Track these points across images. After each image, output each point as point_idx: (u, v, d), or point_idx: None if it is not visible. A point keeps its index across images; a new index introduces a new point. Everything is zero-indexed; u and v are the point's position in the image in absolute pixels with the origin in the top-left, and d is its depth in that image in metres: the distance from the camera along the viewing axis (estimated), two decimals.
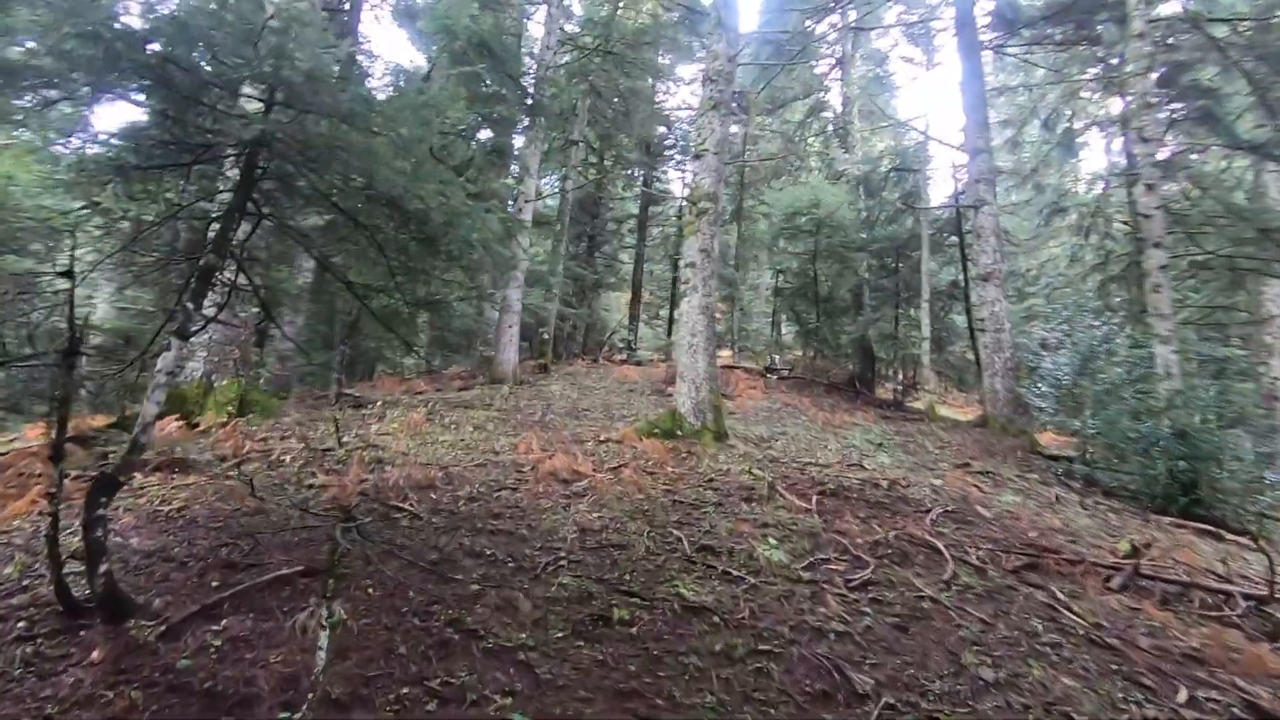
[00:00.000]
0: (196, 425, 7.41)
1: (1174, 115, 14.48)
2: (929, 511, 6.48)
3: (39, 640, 2.91)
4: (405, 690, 2.78)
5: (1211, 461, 8.78)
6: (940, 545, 5.40)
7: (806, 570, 4.64)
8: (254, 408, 8.40)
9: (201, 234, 4.91)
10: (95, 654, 2.81)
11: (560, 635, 3.39)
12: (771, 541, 5.05)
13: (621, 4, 20.29)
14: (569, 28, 18.36)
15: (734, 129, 18.23)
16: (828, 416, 12.33)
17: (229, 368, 8.55)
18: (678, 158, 24.31)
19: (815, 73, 22.58)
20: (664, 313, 26.74)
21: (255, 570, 3.76)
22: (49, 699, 2.57)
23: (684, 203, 22.74)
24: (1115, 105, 18.92)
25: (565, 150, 19.08)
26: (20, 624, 3.03)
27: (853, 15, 20.02)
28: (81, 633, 2.99)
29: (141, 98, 3.93)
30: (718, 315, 8.99)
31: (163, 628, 3.03)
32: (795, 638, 3.63)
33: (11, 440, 7.32)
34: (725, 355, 18.99)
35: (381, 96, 4.79)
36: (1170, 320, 9.77)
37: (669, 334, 24.15)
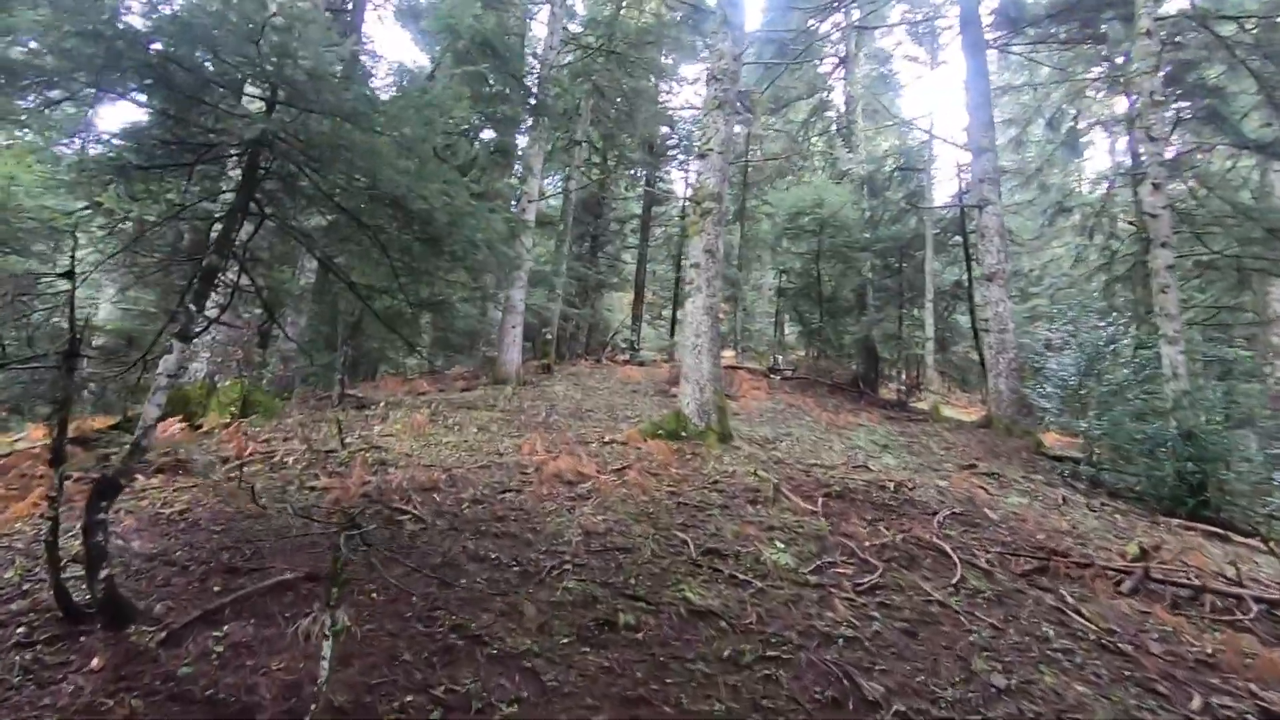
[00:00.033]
0: (199, 426, 7.39)
1: (1180, 114, 14.41)
2: (935, 514, 6.44)
3: (39, 646, 2.88)
4: (410, 698, 2.74)
5: (1219, 463, 8.73)
6: (948, 548, 5.36)
7: (813, 574, 4.60)
8: (257, 409, 8.38)
9: (204, 235, 4.88)
10: (95, 661, 2.77)
11: (566, 641, 3.35)
12: (778, 545, 5.01)
13: (625, 4, 20.24)
14: (572, 27, 18.32)
15: (738, 128, 18.18)
16: (832, 417, 12.28)
17: (232, 368, 8.53)
18: (681, 157, 24.24)
19: (819, 72, 22.53)
20: (666, 313, 26.70)
21: (257, 575, 3.72)
22: (48, 708, 2.53)
23: (687, 202, 22.68)
24: (1120, 104, 18.87)
25: (568, 150, 19.05)
26: (20, 630, 3.00)
27: (856, 14, 19.98)
28: (82, 639, 2.95)
29: (143, 97, 3.90)
30: (721, 315, 8.94)
31: (164, 634, 2.99)
32: (803, 643, 3.59)
33: (15, 440, 7.30)
34: (728, 355, 18.94)
35: (385, 96, 4.75)
36: (1177, 320, 9.70)
37: (672, 334, 24.13)
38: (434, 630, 3.29)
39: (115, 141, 4.02)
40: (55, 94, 3.91)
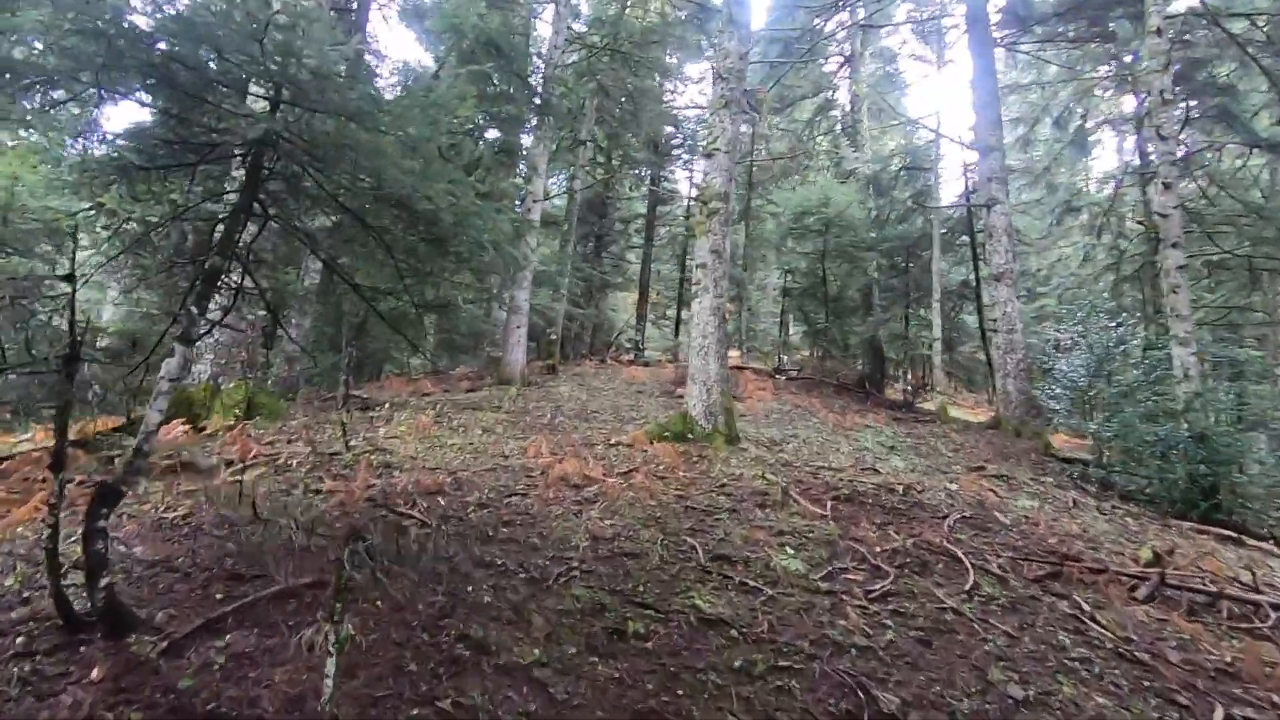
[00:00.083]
0: (203, 429, 7.34)
1: (1189, 113, 14.29)
2: (946, 517, 6.36)
3: (38, 657, 2.82)
4: (415, 711, 2.68)
5: (1232, 465, 8.63)
6: (959, 553, 5.28)
7: (825, 580, 4.52)
8: (261, 410, 8.33)
9: (207, 236, 4.82)
10: (95, 672, 2.71)
11: (574, 651, 3.28)
12: (788, 550, 4.94)
13: (629, 3, 20.18)
14: (577, 26, 18.25)
15: (743, 128, 18.09)
16: (838, 418, 12.21)
17: (236, 370, 8.49)
18: (685, 157, 24.18)
19: (824, 71, 22.45)
20: (671, 313, 26.63)
21: (261, 582, 3.66)
22: None
23: (693, 202, 22.61)
24: (1128, 103, 18.75)
25: (573, 150, 18.99)
26: (19, 639, 2.94)
27: (862, 13, 19.87)
28: (82, 649, 2.89)
29: (146, 97, 3.85)
30: (727, 316, 8.87)
31: (165, 643, 2.93)
32: (816, 653, 3.52)
33: (19, 441, 7.27)
34: (733, 356, 18.87)
35: (390, 96, 4.69)
36: (1188, 322, 9.59)
37: (676, 334, 24.05)
38: (440, 640, 3.23)
39: (118, 142, 3.98)
40: (60, 94, 3.87)
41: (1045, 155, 19.90)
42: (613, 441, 8.19)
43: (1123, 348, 10.38)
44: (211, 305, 4.60)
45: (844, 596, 4.29)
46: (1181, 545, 6.87)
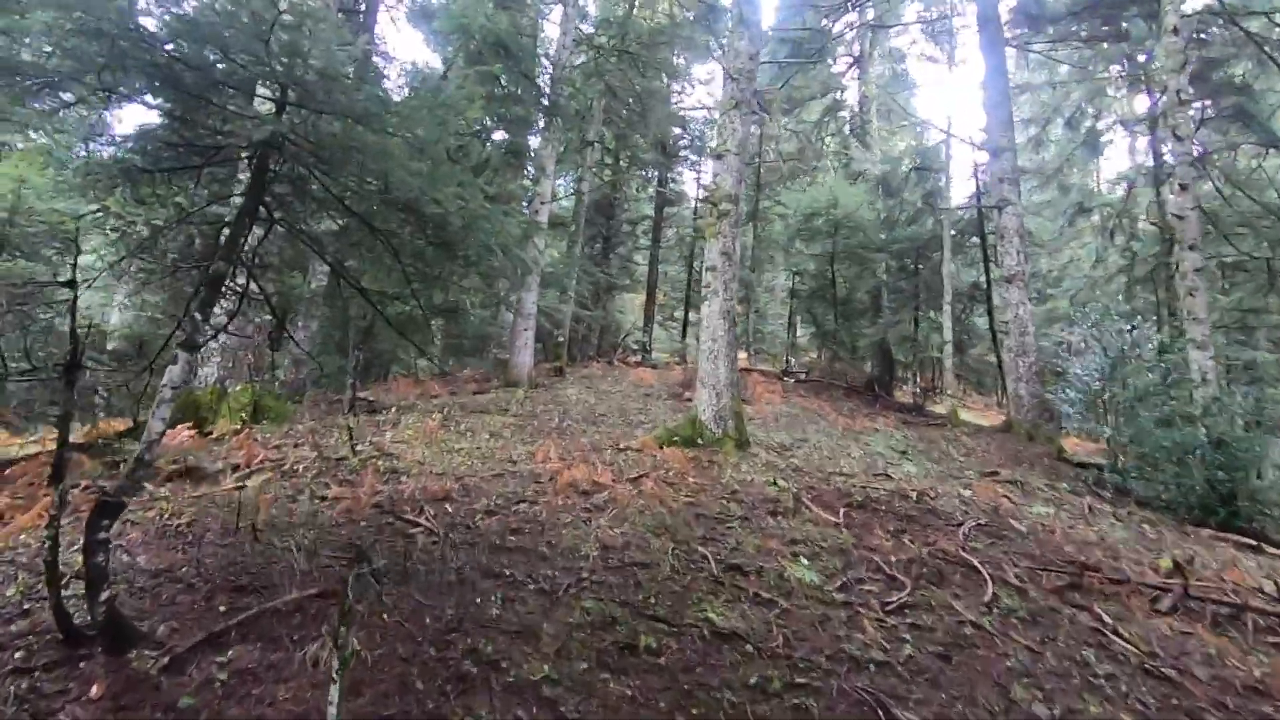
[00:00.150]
0: (209, 433, 7.29)
1: (1205, 113, 14.12)
2: (960, 525, 6.26)
3: (36, 673, 2.75)
4: None
5: (1250, 471, 8.48)
6: (976, 562, 5.18)
7: (840, 592, 4.43)
8: (267, 414, 8.28)
9: (213, 240, 4.76)
10: (94, 690, 2.64)
11: (585, 667, 3.19)
12: (802, 560, 4.84)
13: (638, 4, 20.09)
14: (585, 27, 18.17)
15: (752, 128, 17.99)
16: (848, 422, 12.08)
17: (243, 373, 8.44)
18: (693, 158, 24.07)
19: (832, 71, 22.30)
20: (678, 314, 26.51)
21: (265, 593, 3.59)
22: None
23: (701, 204, 22.51)
24: (1141, 103, 18.56)
25: (581, 151, 18.91)
26: (18, 654, 2.87)
27: (871, 13, 19.75)
28: (81, 664, 2.82)
29: (151, 98, 3.79)
30: (736, 319, 8.78)
31: (166, 659, 2.86)
32: (833, 668, 3.42)
33: (28, 441, 7.24)
34: (741, 358, 18.73)
35: (397, 98, 4.62)
36: (1205, 325, 9.45)
37: (684, 336, 23.94)
38: (448, 655, 3.15)
39: (122, 144, 3.92)
40: (69, 96, 3.81)
41: (1057, 156, 19.71)
42: (621, 446, 8.09)
43: (1138, 351, 10.23)
44: (217, 310, 4.54)
45: (860, 609, 4.19)
46: (1201, 553, 6.75)
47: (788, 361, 19.90)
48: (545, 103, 13.87)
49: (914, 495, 7.05)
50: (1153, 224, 15.95)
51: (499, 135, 15.41)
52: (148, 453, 3.04)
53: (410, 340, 5.37)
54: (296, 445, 7.15)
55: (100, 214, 4.47)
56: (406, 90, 11.58)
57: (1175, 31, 10.18)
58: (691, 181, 25.71)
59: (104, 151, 4.17)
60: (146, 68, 3.36)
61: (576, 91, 15.22)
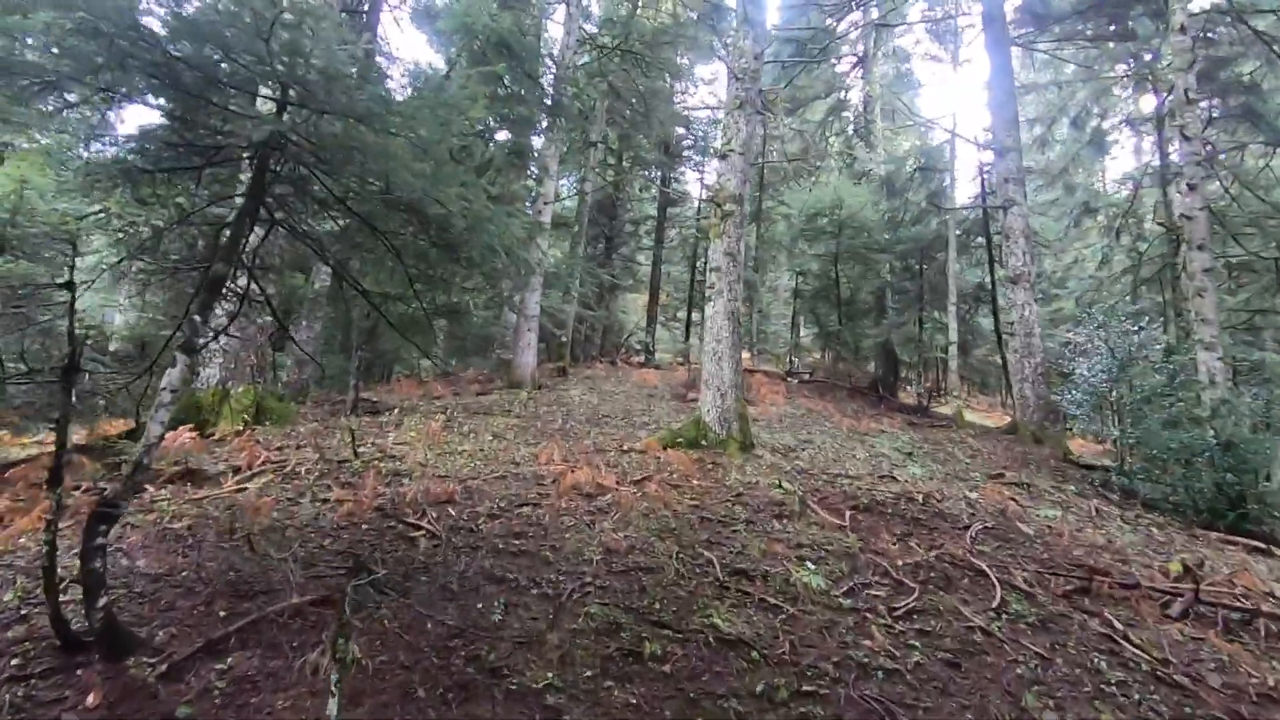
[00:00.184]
0: (211, 434, 7.26)
1: (1212, 112, 14.02)
2: (967, 528, 6.20)
3: (32, 681, 2.71)
4: None
5: (1260, 473, 8.40)
6: (984, 566, 5.13)
7: (846, 597, 4.37)
8: (270, 415, 8.25)
9: (213, 241, 4.72)
10: (91, 698, 2.60)
11: (588, 674, 3.14)
12: (808, 565, 4.78)
13: (641, 3, 20.04)
14: (588, 27, 18.13)
15: (756, 128, 17.93)
16: (853, 423, 12.02)
17: (245, 374, 8.40)
18: (696, 158, 24.03)
19: (836, 71, 22.24)
20: (681, 315, 26.46)
21: (265, 598, 3.54)
22: None
23: (705, 204, 22.45)
24: (1147, 103, 18.45)
25: (584, 151, 18.87)
26: (14, 661, 2.83)
27: (875, 12, 19.66)
28: (78, 671, 2.78)
29: (151, 98, 3.75)
30: (740, 320, 8.72)
31: (164, 667, 2.81)
32: (841, 676, 3.37)
33: (31, 443, 7.22)
34: (744, 358, 18.66)
35: (400, 98, 4.57)
36: (1214, 326, 9.37)
37: (687, 337, 23.89)
38: (450, 662, 3.10)
39: (122, 144, 3.88)
40: (73, 97, 3.77)
41: (1062, 156, 19.61)
42: (625, 448, 8.05)
43: (1146, 352, 10.15)
44: (219, 311, 4.50)
45: (867, 614, 4.14)
46: (1210, 557, 6.68)
47: (791, 362, 19.84)
48: (548, 103, 13.83)
49: (920, 498, 6.99)
50: (1159, 224, 15.86)
51: (502, 135, 15.38)
52: (146, 457, 3.00)
53: (412, 342, 5.32)
54: (299, 447, 7.11)
55: (103, 215, 4.43)
56: (410, 91, 11.56)
57: (1183, 30, 10.10)
58: (694, 181, 25.68)
59: (104, 152, 4.14)
60: (146, 67, 3.32)
61: (580, 91, 15.19)
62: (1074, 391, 10.90)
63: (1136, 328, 10.37)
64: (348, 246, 4.50)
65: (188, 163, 3.95)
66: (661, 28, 18.63)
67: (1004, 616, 4.35)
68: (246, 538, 4.10)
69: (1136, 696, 3.50)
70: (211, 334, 3.62)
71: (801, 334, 22.45)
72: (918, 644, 3.81)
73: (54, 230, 6.94)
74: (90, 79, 3.38)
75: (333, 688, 1.98)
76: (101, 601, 2.82)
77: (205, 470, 5.95)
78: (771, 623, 3.88)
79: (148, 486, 5.37)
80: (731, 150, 8.88)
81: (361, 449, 7.04)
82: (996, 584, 4.82)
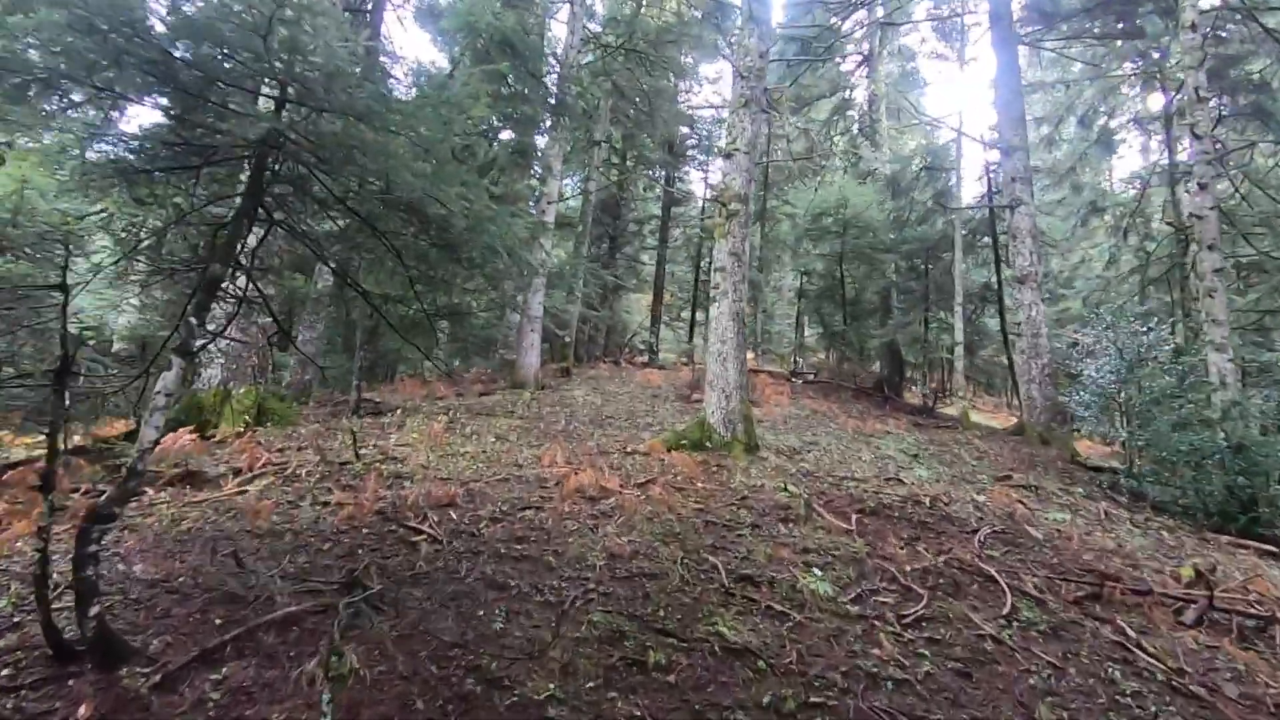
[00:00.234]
0: (211, 436, 7.21)
1: (1221, 110, 13.88)
2: (976, 532, 6.11)
3: (23, 692, 2.65)
4: None
5: (1271, 476, 8.29)
6: (993, 571, 5.04)
7: (854, 603, 4.29)
8: (272, 416, 8.20)
9: (211, 241, 4.66)
10: (82, 710, 2.54)
11: (591, 685, 3.07)
12: (815, 570, 4.71)
13: (645, 2, 19.97)
14: (592, 26, 18.06)
15: (761, 127, 17.84)
16: (858, 424, 11.94)
17: (247, 375, 8.35)
18: (700, 158, 23.94)
19: (841, 70, 22.14)
20: (685, 315, 26.39)
21: (263, 605, 3.48)
22: None
23: (709, 204, 22.37)
24: (1155, 101, 18.32)
25: (588, 150, 18.80)
26: (5, 671, 2.77)
27: (880, 11, 19.56)
28: (70, 682, 2.72)
29: (147, 96, 3.69)
30: (745, 320, 8.64)
31: (158, 677, 2.75)
32: (849, 686, 3.29)
33: (32, 443, 7.16)
34: (748, 358, 18.59)
35: (404, 97, 4.50)
36: (1225, 327, 9.25)
37: (690, 337, 23.82)
38: (450, 673, 3.03)
39: (121, 143, 3.82)
40: (78, 96, 3.72)
41: (1069, 155, 19.46)
42: (629, 450, 7.98)
43: (1155, 353, 10.04)
44: (219, 313, 4.44)
45: (876, 621, 4.06)
46: (1222, 561, 6.58)
47: (796, 362, 19.75)
48: (552, 102, 13.76)
49: (927, 501, 6.90)
50: (1168, 224, 15.73)
51: (506, 134, 15.33)
52: (140, 462, 2.94)
53: (413, 343, 5.26)
54: (300, 449, 7.06)
55: (105, 216, 4.37)
56: (413, 90, 11.51)
57: (1193, 27, 9.98)
58: (699, 181, 25.61)
59: (104, 152, 4.08)
60: (143, 64, 3.26)
61: (584, 90, 15.11)
62: (1082, 393, 10.80)
63: (1146, 328, 10.26)
64: (347, 247, 4.43)
65: (185, 162, 3.89)
66: (666, 26, 18.57)
67: (1015, 624, 4.26)
68: (234, 553, 4.02)
69: (1153, 709, 3.41)
70: (209, 336, 3.56)
71: (806, 334, 22.36)
72: (927, 653, 3.73)
73: (54, 230, 6.89)
74: (86, 76, 3.33)
75: (324, 707, 1.91)
76: (94, 610, 2.76)
77: (206, 472, 5.90)
78: (778, 631, 3.81)
79: (147, 489, 5.32)
80: (736, 149, 8.80)
81: (363, 451, 6.99)
82: (1006, 590, 4.73)
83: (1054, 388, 12.76)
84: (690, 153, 23.80)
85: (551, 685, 3.02)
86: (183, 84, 3.41)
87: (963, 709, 3.22)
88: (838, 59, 21.07)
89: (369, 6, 13.02)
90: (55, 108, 3.82)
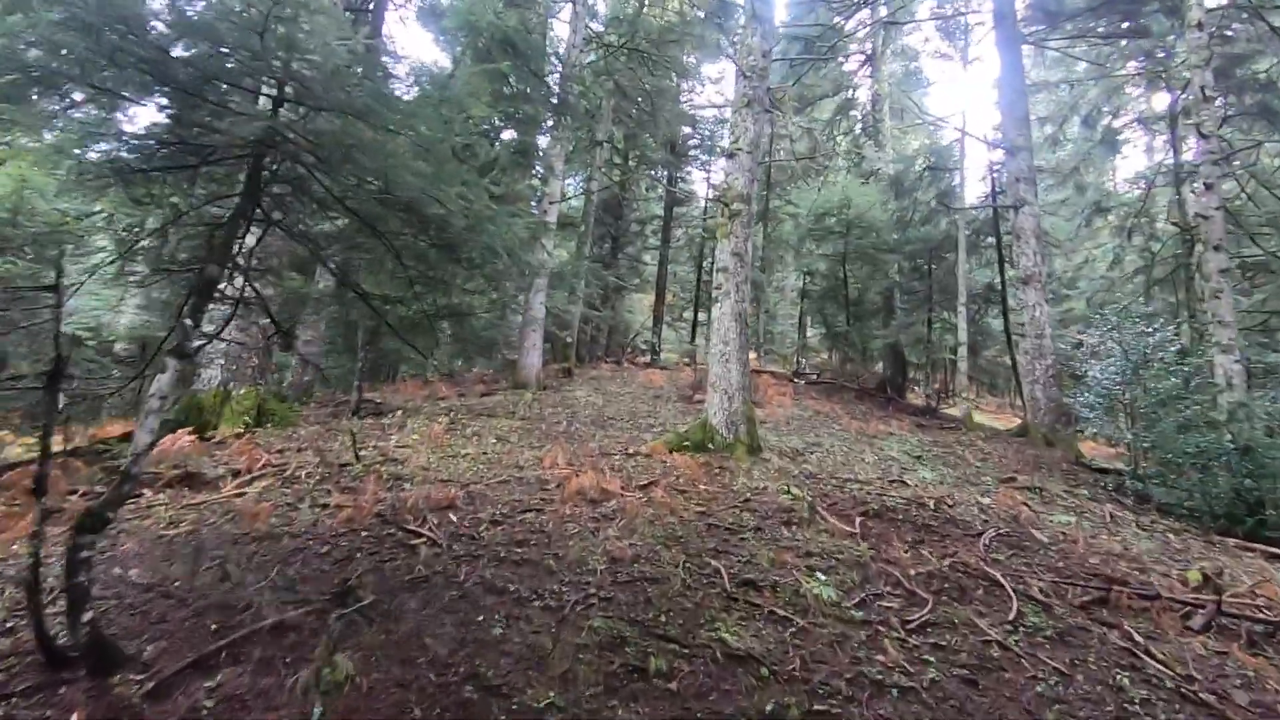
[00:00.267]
0: (210, 437, 7.17)
1: (1228, 110, 13.80)
2: (980, 535, 6.06)
3: (14, 699, 2.61)
4: None
5: (1278, 478, 8.22)
6: (999, 576, 4.99)
7: (858, 608, 4.24)
8: (271, 417, 8.17)
9: (208, 241, 4.62)
10: (74, 718, 2.50)
11: (591, 693, 3.02)
12: (818, 575, 4.65)
13: (648, 1, 19.92)
14: (594, 25, 18.02)
15: (764, 127, 17.78)
16: (861, 425, 11.88)
17: (247, 375, 8.32)
18: (703, 158, 23.91)
19: (844, 70, 22.07)
20: (687, 315, 26.34)
21: (259, 610, 3.43)
22: None
23: (713, 204, 22.33)
24: (1160, 101, 18.24)
25: (590, 150, 18.76)
26: None
27: (883, 10, 19.48)
28: (62, 689, 2.68)
29: (144, 96, 3.65)
30: (748, 321, 8.59)
31: (152, 684, 2.71)
32: (854, 694, 3.24)
33: (33, 443, 7.13)
34: (751, 358, 18.53)
35: (406, 97, 4.46)
36: (1232, 328, 9.18)
37: (693, 337, 23.77)
38: (448, 680, 2.99)
39: (117, 143, 3.79)
40: (79, 96, 3.68)
41: (1073, 155, 19.37)
42: (631, 451, 7.93)
43: (1161, 354, 9.96)
44: (218, 314, 4.40)
45: (880, 627, 4.01)
46: (1229, 565, 6.51)
47: (798, 363, 19.69)
48: (554, 101, 13.72)
49: (931, 503, 6.84)
50: (1173, 224, 15.65)
51: (507, 134, 15.29)
52: (134, 466, 2.89)
53: (412, 345, 5.22)
54: (300, 450, 7.02)
55: (106, 215, 4.34)
56: (414, 89, 11.46)
57: (1199, 26, 9.92)
58: (701, 181, 25.59)
59: (99, 151, 4.04)
60: (139, 63, 3.22)
61: (586, 90, 15.08)
62: (1086, 394, 10.71)
63: (1151, 329, 10.18)
64: (346, 247, 4.39)
65: (182, 161, 3.85)
66: (668, 26, 18.52)
67: (1021, 629, 4.21)
68: (220, 563, 3.97)
69: (1162, 716, 3.36)
70: (205, 338, 3.51)
71: (809, 334, 22.30)
72: (933, 659, 3.68)
73: (51, 230, 6.87)
74: (82, 75, 3.29)
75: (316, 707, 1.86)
76: (87, 616, 2.73)
77: (204, 474, 5.86)
78: (781, 636, 3.76)
79: (145, 491, 5.29)
80: (739, 149, 8.74)
81: (363, 452, 6.95)
82: (1012, 594, 4.68)
83: (1058, 389, 12.68)
84: (693, 153, 23.77)
85: (551, 693, 2.97)
86: (180, 82, 3.37)
87: (970, 717, 3.17)
88: (841, 58, 21.00)
89: (370, 6, 12.99)
90: (56, 107, 3.79)
